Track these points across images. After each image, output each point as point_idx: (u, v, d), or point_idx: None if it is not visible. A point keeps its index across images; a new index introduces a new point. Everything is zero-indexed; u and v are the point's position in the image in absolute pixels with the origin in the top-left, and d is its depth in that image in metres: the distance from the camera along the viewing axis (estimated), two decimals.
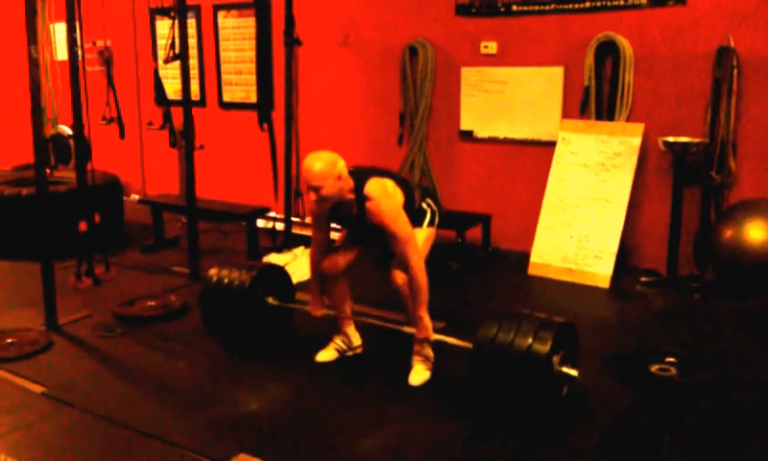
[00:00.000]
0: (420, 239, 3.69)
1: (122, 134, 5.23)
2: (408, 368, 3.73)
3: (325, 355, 3.97)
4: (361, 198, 3.52)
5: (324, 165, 3.41)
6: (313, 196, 3.45)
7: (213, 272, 4.19)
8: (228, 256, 5.80)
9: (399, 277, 3.64)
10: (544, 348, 3.12)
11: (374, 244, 3.83)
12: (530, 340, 3.14)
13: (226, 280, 4.10)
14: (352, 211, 3.59)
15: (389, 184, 3.61)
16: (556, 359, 3.19)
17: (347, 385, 3.73)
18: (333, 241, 3.97)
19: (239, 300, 4.03)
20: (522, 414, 3.27)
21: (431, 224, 3.82)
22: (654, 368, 3.78)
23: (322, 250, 3.89)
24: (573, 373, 3.26)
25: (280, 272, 4.35)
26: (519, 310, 3.45)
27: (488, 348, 3.23)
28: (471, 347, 3.33)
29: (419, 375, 3.70)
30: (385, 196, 3.53)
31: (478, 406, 3.41)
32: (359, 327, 4.06)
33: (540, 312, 3.40)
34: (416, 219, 3.71)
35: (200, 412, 3.46)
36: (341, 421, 3.38)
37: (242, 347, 4.14)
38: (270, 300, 4.13)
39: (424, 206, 3.81)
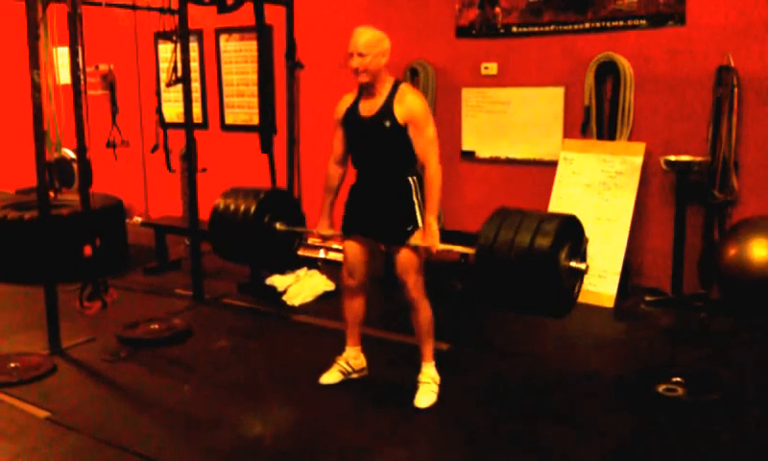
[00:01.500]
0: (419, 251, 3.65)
1: (116, 157, 5.23)
2: (413, 390, 3.72)
3: (330, 378, 3.95)
4: (395, 90, 3.59)
5: (373, 35, 3.57)
6: (356, 62, 3.53)
7: (220, 201, 4.17)
8: (231, 277, 5.80)
9: (409, 296, 3.64)
10: (548, 242, 3.02)
11: (378, 173, 3.72)
12: (533, 235, 3.05)
13: (232, 207, 4.07)
14: (375, 107, 3.59)
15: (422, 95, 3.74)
16: (563, 255, 3.10)
17: (351, 408, 3.72)
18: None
19: (246, 226, 3.99)
20: (532, 314, 3.16)
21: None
22: (661, 388, 3.76)
23: (339, 162, 3.87)
24: (581, 266, 3.17)
25: (287, 197, 4.30)
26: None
27: (491, 251, 3.13)
28: (474, 252, 3.24)
29: (424, 397, 3.68)
30: (420, 95, 3.64)
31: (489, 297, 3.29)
32: (364, 350, 4.05)
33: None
34: (411, 221, 3.63)
35: (204, 436, 3.45)
36: (345, 445, 3.36)
37: (246, 364, 4.13)
38: (278, 225, 4.07)
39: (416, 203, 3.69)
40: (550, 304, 3.15)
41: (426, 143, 3.55)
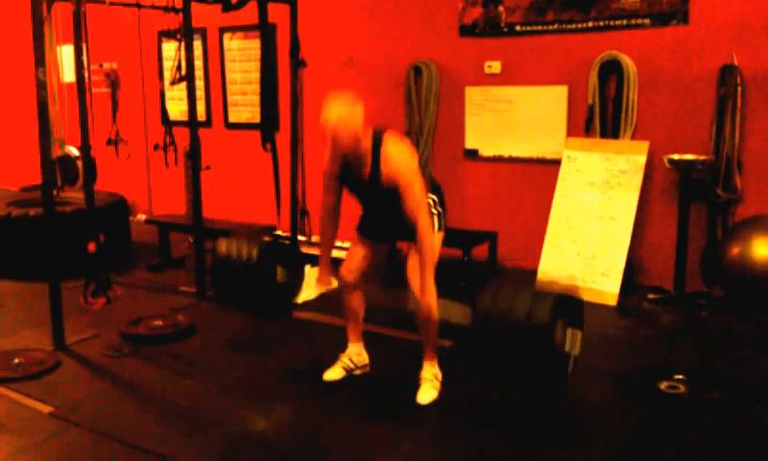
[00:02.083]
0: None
1: (117, 155, 5.26)
2: (416, 386, 3.72)
3: (333, 374, 3.96)
4: (378, 148, 3.48)
5: (343, 112, 3.41)
6: (330, 134, 3.41)
7: (223, 246, 4.19)
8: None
9: (416, 285, 3.63)
10: (545, 313, 3.06)
11: (384, 226, 3.75)
12: (529, 306, 3.07)
13: (236, 253, 4.09)
14: (365, 169, 3.53)
15: (407, 142, 3.62)
16: (558, 325, 3.12)
17: (354, 404, 3.73)
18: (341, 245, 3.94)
19: (249, 272, 4.01)
20: (527, 382, 3.20)
21: (439, 229, 3.73)
22: (663, 385, 3.77)
23: (332, 215, 3.80)
24: (577, 335, 3.17)
25: (288, 245, 4.34)
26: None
27: (487, 317, 3.18)
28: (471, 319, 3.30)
29: (426, 393, 3.69)
30: (403, 150, 3.52)
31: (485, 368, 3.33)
32: (366, 346, 4.06)
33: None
34: None
35: (207, 432, 3.46)
36: (348, 440, 3.37)
37: (248, 361, 4.15)
38: (278, 272, 4.10)
39: (430, 202, 3.68)
40: (544, 377, 3.19)
41: (413, 204, 3.45)
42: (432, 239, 3.49)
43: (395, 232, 3.73)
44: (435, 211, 3.70)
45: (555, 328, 3.10)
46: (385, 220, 3.72)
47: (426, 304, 3.49)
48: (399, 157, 3.48)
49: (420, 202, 3.46)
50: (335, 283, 3.92)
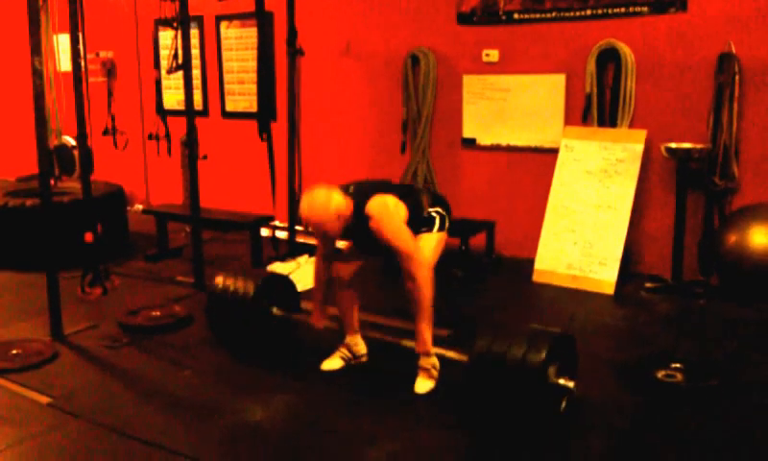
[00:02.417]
0: (431, 244, 3.69)
1: (116, 145, 5.25)
2: (414, 376, 3.73)
3: (331, 364, 3.97)
4: (363, 218, 3.52)
5: (321, 210, 3.45)
6: (312, 228, 3.55)
7: (219, 280, 4.21)
8: (233, 265, 5.81)
9: (411, 284, 3.65)
10: (539, 359, 3.11)
11: (381, 253, 3.83)
12: (524, 351, 3.13)
13: (231, 289, 4.11)
14: (356, 228, 3.60)
15: (390, 201, 3.58)
16: (552, 371, 3.18)
17: (352, 394, 3.73)
18: (339, 250, 3.98)
19: (244, 310, 4.04)
20: (520, 427, 3.26)
21: (441, 229, 3.77)
22: (660, 374, 3.78)
23: (327, 262, 3.90)
24: (570, 384, 3.26)
25: (285, 281, 4.37)
26: (518, 322, 3.46)
27: (483, 361, 3.24)
28: (467, 360, 3.35)
29: (424, 383, 3.70)
30: (386, 214, 3.52)
31: (477, 418, 3.40)
32: (365, 336, 4.06)
33: (537, 324, 3.41)
34: (425, 224, 3.70)
35: (205, 422, 3.46)
36: (346, 430, 3.38)
37: (248, 354, 4.15)
38: (274, 310, 4.14)
39: (433, 213, 3.77)
40: (536, 418, 3.24)
41: (406, 261, 3.51)
42: (430, 291, 3.55)
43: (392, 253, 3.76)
44: (439, 215, 3.78)
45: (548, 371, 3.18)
46: (382, 251, 3.75)
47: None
48: (383, 224, 3.51)
49: (412, 256, 3.52)
50: (325, 323, 4.06)
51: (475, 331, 3.39)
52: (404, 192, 3.76)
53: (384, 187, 3.70)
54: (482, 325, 3.46)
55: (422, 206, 3.74)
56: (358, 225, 3.57)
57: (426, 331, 3.60)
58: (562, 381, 3.24)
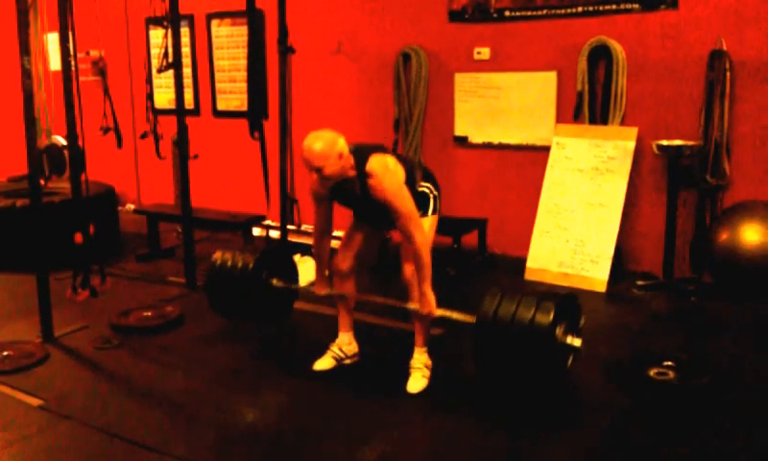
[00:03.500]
0: (426, 227, 3.66)
1: (119, 144, 5.22)
2: (406, 375, 3.73)
3: (323, 364, 3.96)
4: (363, 175, 3.48)
5: (325, 145, 3.39)
6: (315, 175, 3.44)
7: (218, 255, 4.19)
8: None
9: (409, 270, 3.66)
10: (547, 320, 3.11)
11: (378, 223, 3.81)
12: (532, 312, 3.14)
13: (230, 263, 4.10)
14: (355, 189, 3.56)
15: (390, 161, 3.58)
16: (559, 331, 3.17)
17: (344, 394, 3.73)
18: (335, 247, 3.96)
19: (244, 282, 4.03)
20: (527, 385, 3.25)
21: (435, 211, 3.76)
22: (652, 372, 3.78)
23: (324, 229, 3.85)
24: (576, 343, 3.25)
25: (284, 254, 4.36)
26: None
27: (490, 321, 3.24)
28: (474, 321, 3.35)
29: (416, 382, 3.70)
30: (387, 172, 3.50)
31: (482, 392, 3.40)
32: (356, 336, 4.06)
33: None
34: (419, 205, 3.66)
35: (197, 423, 3.45)
36: (339, 429, 3.37)
37: (241, 355, 4.14)
38: (274, 281, 4.12)
39: (426, 189, 3.73)
40: (544, 376, 3.27)
41: (405, 221, 3.49)
42: (428, 251, 3.54)
43: (389, 222, 3.73)
44: (432, 195, 3.75)
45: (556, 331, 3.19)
46: (378, 218, 3.74)
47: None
48: (385, 181, 3.47)
49: (411, 216, 3.50)
50: (327, 291, 4.00)
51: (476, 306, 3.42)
52: (400, 158, 3.75)
53: (382, 150, 3.68)
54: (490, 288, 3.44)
55: (416, 178, 3.70)
56: (356, 186, 3.53)
57: (429, 292, 3.57)
58: (569, 340, 3.24)
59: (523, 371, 3.24)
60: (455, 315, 3.60)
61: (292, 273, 4.35)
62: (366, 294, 4.00)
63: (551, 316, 3.13)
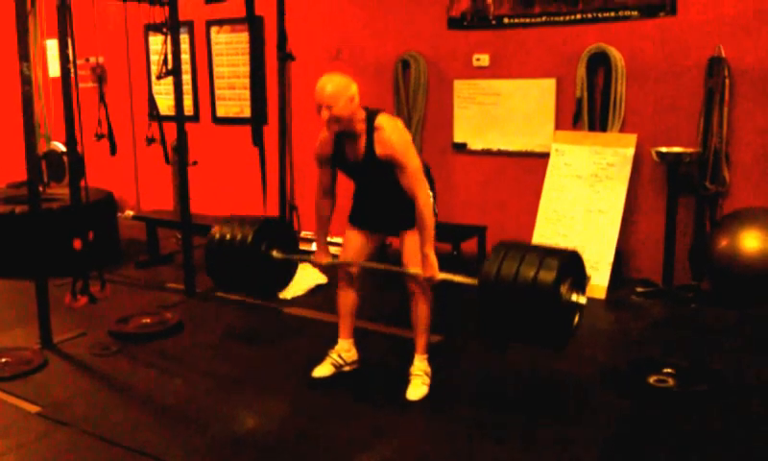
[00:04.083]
0: None
1: (113, 151, 5.22)
2: (406, 383, 3.72)
3: (322, 371, 3.94)
4: (371, 128, 3.49)
5: (338, 85, 3.41)
6: (325, 114, 3.42)
7: (217, 229, 4.17)
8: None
9: (412, 285, 3.67)
10: (551, 278, 3.07)
11: (380, 198, 3.75)
12: (536, 269, 3.10)
13: (229, 236, 4.08)
14: (359, 150, 3.54)
15: (399, 122, 3.61)
16: (564, 289, 3.14)
17: (344, 401, 3.72)
18: (335, 256, 3.95)
19: (244, 254, 4.02)
20: (533, 345, 3.22)
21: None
22: (651, 379, 3.78)
23: (327, 189, 3.83)
24: (581, 300, 3.22)
25: (283, 226, 4.33)
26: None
27: (493, 282, 3.20)
28: (477, 282, 3.31)
29: (416, 390, 3.69)
30: (396, 128, 3.52)
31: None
32: (356, 343, 4.05)
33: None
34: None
35: (196, 430, 3.44)
36: (338, 437, 3.36)
37: (239, 361, 4.13)
38: (274, 253, 4.10)
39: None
40: (550, 336, 3.21)
41: (410, 178, 3.48)
42: (431, 212, 3.52)
43: (388, 218, 3.71)
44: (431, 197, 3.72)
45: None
46: (380, 201, 3.72)
47: (423, 298, 3.51)
48: (393, 133, 3.48)
49: (417, 174, 3.48)
50: (328, 261, 3.92)
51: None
52: None
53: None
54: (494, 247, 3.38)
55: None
56: (361, 144, 3.52)
57: (432, 255, 3.52)
58: (574, 297, 3.21)
59: (528, 330, 3.17)
60: (457, 278, 3.53)
61: (291, 244, 4.30)
62: (369, 261, 3.93)
63: (555, 273, 3.07)
